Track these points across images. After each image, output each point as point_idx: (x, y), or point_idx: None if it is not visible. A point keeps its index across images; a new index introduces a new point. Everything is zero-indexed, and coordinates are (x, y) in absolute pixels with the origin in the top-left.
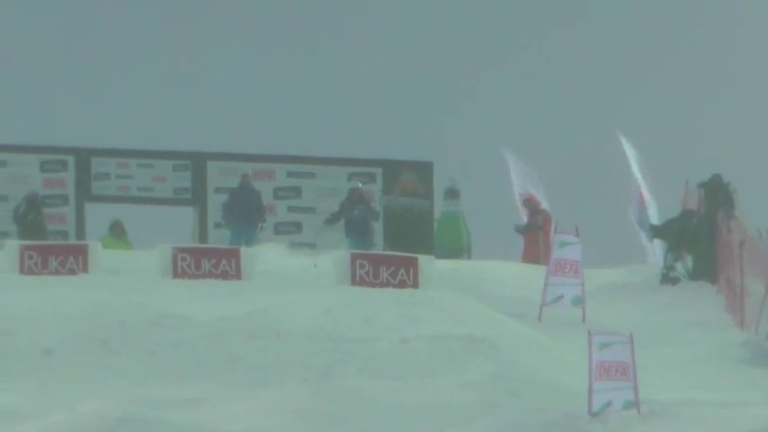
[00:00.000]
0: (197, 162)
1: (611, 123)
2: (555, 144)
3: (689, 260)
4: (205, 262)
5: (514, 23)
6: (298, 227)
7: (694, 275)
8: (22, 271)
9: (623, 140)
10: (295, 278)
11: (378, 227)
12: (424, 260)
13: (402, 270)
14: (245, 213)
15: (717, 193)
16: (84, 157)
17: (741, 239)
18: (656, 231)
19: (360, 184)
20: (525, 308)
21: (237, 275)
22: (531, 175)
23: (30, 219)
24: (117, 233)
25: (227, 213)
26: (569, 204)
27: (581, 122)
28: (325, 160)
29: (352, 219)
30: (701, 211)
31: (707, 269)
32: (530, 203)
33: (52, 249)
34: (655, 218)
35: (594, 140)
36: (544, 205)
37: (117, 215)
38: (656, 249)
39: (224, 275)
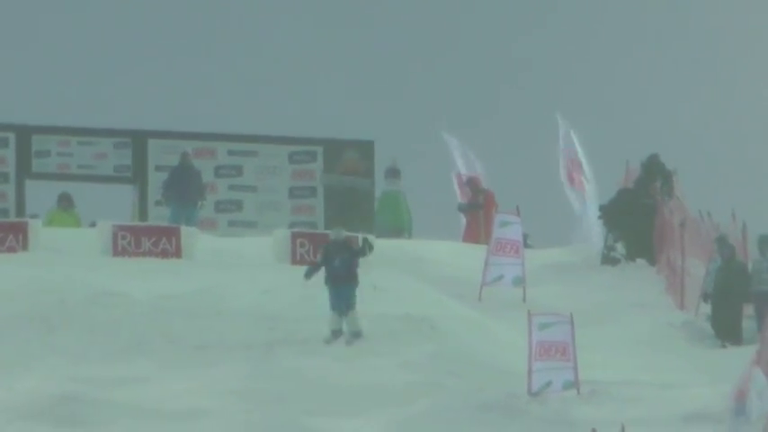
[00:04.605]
0: (138, 140)
1: (552, 104)
2: (496, 124)
3: (626, 239)
4: (145, 240)
5: (456, 4)
6: (238, 205)
7: (630, 254)
8: None
9: (560, 121)
10: (235, 257)
11: (319, 206)
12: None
13: None
14: (185, 192)
15: (655, 173)
16: (24, 134)
17: (682, 220)
18: (602, 211)
19: (343, 232)
20: (465, 288)
21: (177, 254)
22: (471, 156)
23: None
24: (65, 206)
25: (166, 192)
26: (510, 184)
27: (523, 103)
28: (266, 139)
29: (334, 269)
30: (633, 189)
31: (643, 248)
32: (472, 183)
33: None
34: (593, 198)
35: (537, 120)
36: (486, 185)
37: (58, 192)
38: (597, 229)
39: (164, 254)
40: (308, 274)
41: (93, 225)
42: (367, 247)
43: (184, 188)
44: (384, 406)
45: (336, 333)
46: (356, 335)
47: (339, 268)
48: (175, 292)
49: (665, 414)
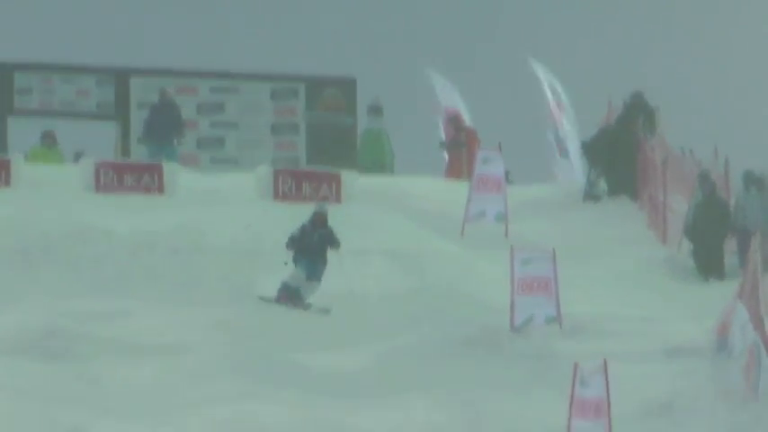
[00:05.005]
0: (120, 77)
1: (531, 43)
2: (479, 61)
3: (608, 176)
4: (127, 176)
5: None
6: (220, 142)
7: (612, 191)
8: None
9: (534, 64)
10: (217, 193)
11: (301, 143)
12: (347, 175)
13: (325, 185)
14: (164, 129)
15: (637, 111)
16: (6, 71)
17: (664, 157)
18: (584, 148)
19: (326, 206)
20: (448, 223)
21: (160, 190)
22: (454, 93)
23: None
24: (48, 143)
25: (146, 129)
26: (492, 121)
27: (505, 41)
28: (248, 76)
29: (311, 243)
30: (615, 126)
31: (626, 185)
32: (454, 120)
33: None
34: (573, 136)
35: (519, 57)
36: (468, 122)
37: (41, 129)
38: (579, 166)
39: (147, 190)
40: (290, 246)
41: (78, 156)
42: (337, 245)
43: (163, 125)
44: (366, 340)
45: (286, 288)
46: (302, 301)
47: (316, 243)
48: (158, 228)
49: (647, 348)
